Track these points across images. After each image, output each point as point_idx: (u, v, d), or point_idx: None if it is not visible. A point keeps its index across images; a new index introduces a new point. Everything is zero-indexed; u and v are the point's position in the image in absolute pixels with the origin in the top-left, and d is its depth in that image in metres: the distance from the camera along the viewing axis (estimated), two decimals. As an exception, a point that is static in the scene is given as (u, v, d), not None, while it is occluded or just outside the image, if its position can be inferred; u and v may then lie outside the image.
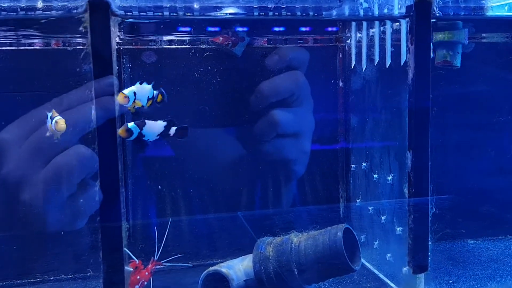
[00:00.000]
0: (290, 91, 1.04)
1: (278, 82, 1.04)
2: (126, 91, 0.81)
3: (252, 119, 1.07)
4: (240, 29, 1.01)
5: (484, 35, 1.16)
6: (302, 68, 1.06)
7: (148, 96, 0.85)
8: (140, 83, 0.84)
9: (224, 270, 0.91)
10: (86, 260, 1.05)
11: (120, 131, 0.81)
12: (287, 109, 1.05)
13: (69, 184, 0.85)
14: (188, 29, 1.00)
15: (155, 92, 0.87)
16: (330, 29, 1.10)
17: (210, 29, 1.00)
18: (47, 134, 0.80)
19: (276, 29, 1.03)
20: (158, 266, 0.90)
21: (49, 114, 0.80)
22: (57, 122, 0.78)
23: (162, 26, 0.99)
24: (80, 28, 0.77)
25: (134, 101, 0.82)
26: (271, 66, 1.05)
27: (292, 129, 1.06)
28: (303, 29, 1.06)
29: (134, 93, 0.82)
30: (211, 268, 0.93)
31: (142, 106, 0.84)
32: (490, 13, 0.98)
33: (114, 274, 0.79)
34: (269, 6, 0.89)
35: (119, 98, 0.80)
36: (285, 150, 1.08)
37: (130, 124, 0.83)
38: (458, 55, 1.04)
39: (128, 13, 0.84)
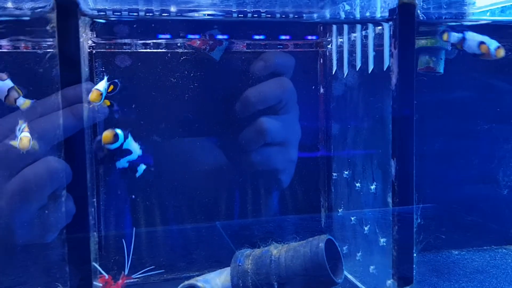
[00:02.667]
0: (277, 98, 1.02)
1: (265, 88, 1.02)
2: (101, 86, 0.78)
3: (229, 125, 1.06)
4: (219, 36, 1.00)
5: (467, 41, 1.16)
6: (288, 74, 1.04)
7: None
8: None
9: (200, 284, 0.90)
10: (56, 274, 1.01)
11: (106, 136, 0.79)
12: (275, 116, 1.03)
13: (39, 197, 0.81)
14: (167, 36, 0.98)
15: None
16: (310, 37, 1.09)
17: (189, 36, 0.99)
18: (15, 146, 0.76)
19: (256, 36, 1.02)
20: (129, 281, 0.86)
21: (21, 126, 0.75)
22: (21, 139, 0.74)
23: (138, 30, 0.97)
24: (47, 28, 0.73)
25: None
26: (257, 72, 1.04)
27: (279, 137, 1.04)
28: (283, 36, 1.05)
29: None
30: (186, 282, 0.91)
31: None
32: (472, 17, 0.98)
33: (82, 290, 0.76)
34: (248, 10, 0.87)
35: (92, 96, 0.78)
36: (272, 159, 1.06)
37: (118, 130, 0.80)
38: (441, 61, 1.04)
39: (101, 13, 0.81)
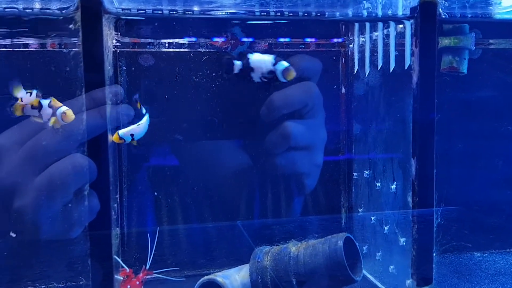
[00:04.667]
0: (303, 102, 1.01)
1: (291, 93, 1.01)
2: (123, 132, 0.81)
3: (251, 123, 1.05)
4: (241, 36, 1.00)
5: (491, 41, 1.15)
6: (314, 78, 1.03)
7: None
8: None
9: (219, 279, 0.90)
10: (79, 268, 1.02)
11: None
12: (300, 120, 1.02)
13: (64, 193, 0.82)
14: (191, 37, 0.99)
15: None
16: (335, 40, 1.09)
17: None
18: (36, 120, 0.78)
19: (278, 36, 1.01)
20: (150, 276, 0.87)
21: (46, 102, 0.77)
22: (66, 113, 0.76)
23: (161, 29, 0.99)
24: (71, 26, 0.75)
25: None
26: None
27: (304, 141, 1.03)
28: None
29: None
30: (206, 277, 0.92)
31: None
32: (497, 16, 0.97)
33: (103, 283, 0.77)
34: (271, 10, 0.88)
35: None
36: (297, 163, 1.05)
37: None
38: (465, 61, 1.02)
39: (126, 11, 0.83)
